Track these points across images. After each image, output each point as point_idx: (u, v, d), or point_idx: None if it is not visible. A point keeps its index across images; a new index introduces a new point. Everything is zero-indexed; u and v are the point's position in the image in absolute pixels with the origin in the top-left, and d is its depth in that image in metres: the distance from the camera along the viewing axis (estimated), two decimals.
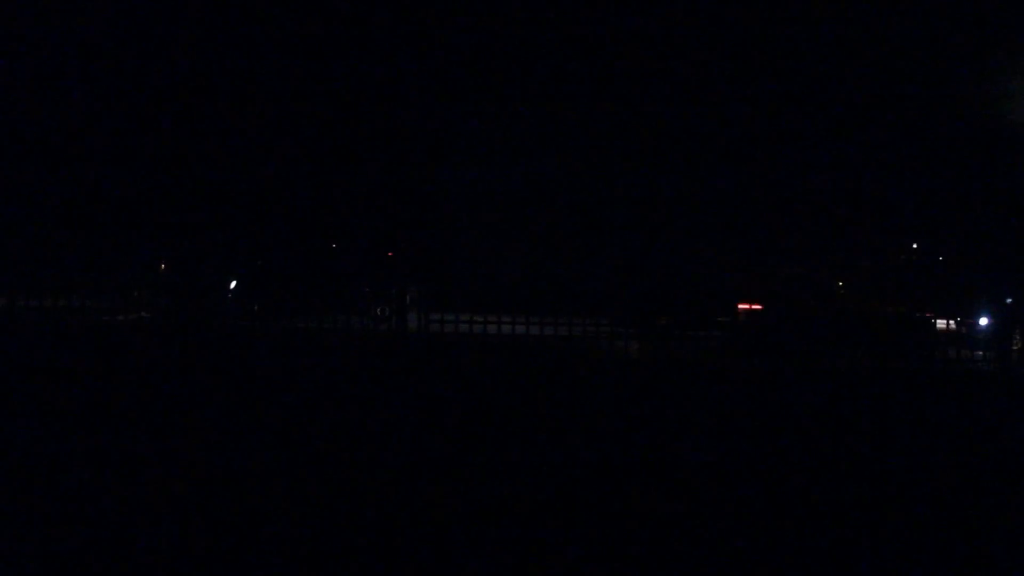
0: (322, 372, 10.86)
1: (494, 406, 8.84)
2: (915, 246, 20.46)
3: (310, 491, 5.49)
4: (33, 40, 21.04)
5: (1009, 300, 15.25)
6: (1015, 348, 14.39)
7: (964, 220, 21.29)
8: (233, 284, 16.48)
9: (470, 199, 22.39)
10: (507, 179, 22.18)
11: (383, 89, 22.18)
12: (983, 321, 15.12)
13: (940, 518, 5.41)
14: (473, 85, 22.14)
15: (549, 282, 18.03)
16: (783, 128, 22.55)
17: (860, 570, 4.50)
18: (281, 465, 6.10)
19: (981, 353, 14.38)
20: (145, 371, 10.41)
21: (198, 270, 16.66)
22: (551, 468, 6.26)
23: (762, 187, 22.70)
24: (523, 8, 21.99)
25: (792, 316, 14.26)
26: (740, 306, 14.55)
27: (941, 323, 14.60)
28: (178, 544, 4.47)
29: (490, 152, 22.16)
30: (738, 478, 6.13)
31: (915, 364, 13.06)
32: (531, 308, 14.05)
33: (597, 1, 22.61)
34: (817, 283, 15.79)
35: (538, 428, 7.70)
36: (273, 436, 7.07)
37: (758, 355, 13.60)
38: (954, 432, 8.26)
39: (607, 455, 6.73)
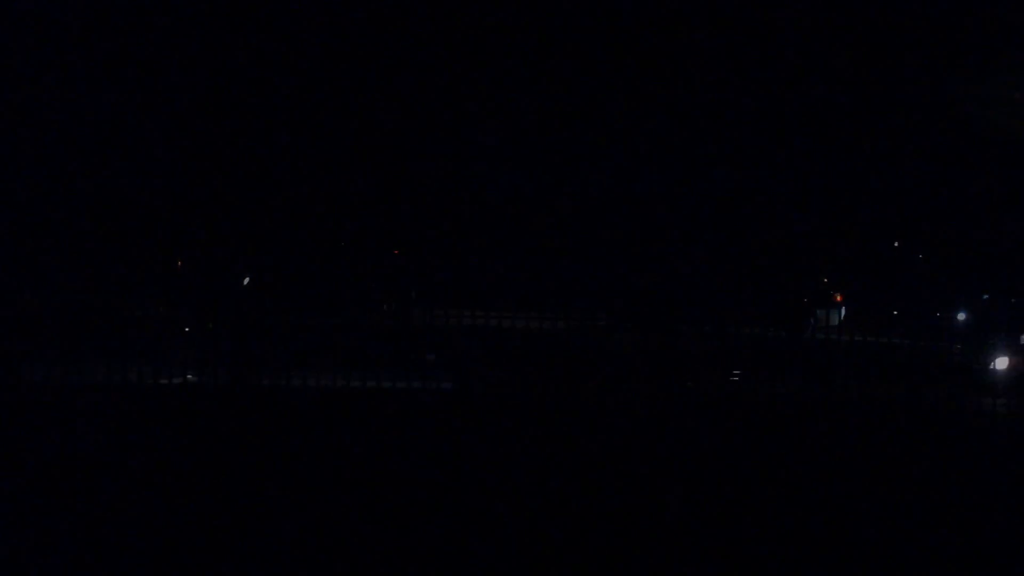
0: (328, 366, 10.96)
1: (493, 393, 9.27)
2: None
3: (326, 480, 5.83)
4: (46, 42, 20.63)
5: None
6: None
7: (980, 247, 21.33)
8: (246, 281, 16.78)
9: (475, 200, 22.70)
10: (513, 180, 22.47)
11: (393, 93, 22.37)
12: (1001, 362, 14.07)
13: None
14: (481, 87, 22.33)
15: (550, 278, 18.48)
16: (778, 129, 22.85)
17: None
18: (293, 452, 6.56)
19: (1002, 400, 13.03)
20: None
21: (212, 268, 16.94)
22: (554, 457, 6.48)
23: (763, 186, 23.10)
24: (530, 11, 22.13)
25: None
26: None
27: None
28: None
29: (496, 152, 22.40)
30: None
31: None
32: (533, 303, 14.10)
33: (599, 3, 22.79)
34: None
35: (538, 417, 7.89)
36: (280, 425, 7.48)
37: None
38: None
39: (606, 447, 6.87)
